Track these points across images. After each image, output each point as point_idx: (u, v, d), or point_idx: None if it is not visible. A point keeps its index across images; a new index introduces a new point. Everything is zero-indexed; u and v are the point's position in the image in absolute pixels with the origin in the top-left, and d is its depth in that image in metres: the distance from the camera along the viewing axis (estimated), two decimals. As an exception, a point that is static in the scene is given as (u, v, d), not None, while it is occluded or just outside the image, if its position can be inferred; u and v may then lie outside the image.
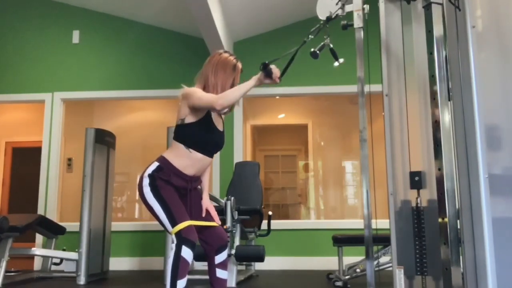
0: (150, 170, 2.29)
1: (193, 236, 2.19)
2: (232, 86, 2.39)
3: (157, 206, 2.23)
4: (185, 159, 2.30)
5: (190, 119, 2.31)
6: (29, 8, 6.06)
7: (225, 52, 2.47)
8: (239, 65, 2.45)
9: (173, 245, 2.15)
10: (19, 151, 7.81)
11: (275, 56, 2.37)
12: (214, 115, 2.38)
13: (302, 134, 7.99)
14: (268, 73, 2.29)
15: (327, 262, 5.25)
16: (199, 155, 2.32)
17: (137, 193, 2.35)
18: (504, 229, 1.99)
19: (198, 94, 2.28)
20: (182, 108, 2.32)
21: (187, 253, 2.14)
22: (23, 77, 5.92)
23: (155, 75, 5.86)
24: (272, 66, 2.30)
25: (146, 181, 2.26)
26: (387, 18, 2.54)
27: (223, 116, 2.50)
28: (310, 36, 2.50)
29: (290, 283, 4.26)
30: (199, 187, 2.49)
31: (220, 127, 2.42)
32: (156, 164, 2.31)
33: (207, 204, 2.47)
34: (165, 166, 2.29)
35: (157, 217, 2.25)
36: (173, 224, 2.19)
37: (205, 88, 2.38)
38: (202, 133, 2.32)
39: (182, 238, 2.15)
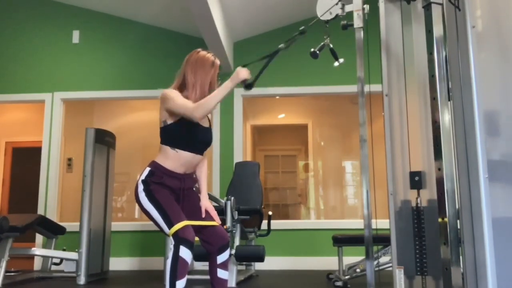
0: (143, 176, 2.32)
1: (191, 235, 2.19)
2: (211, 83, 2.41)
3: (153, 210, 2.25)
4: (174, 160, 2.32)
5: (171, 119, 2.33)
6: (29, 8, 6.06)
7: (203, 50, 2.48)
8: (217, 62, 2.47)
9: (172, 246, 2.16)
10: (19, 151, 7.80)
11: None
12: None
13: (302, 134, 7.98)
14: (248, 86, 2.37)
15: (327, 262, 5.25)
16: (187, 154, 2.33)
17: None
18: (504, 229, 1.99)
19: (177, 101, 2.28)
20: (161, 111, 2.35)
21: (185, 253, 2.14)
22: (23, 77, 5.92)
23: (155, 75, 5.86)
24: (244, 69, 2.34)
25: (140, 187, 2.29)
26: (387, 18, 2.54)
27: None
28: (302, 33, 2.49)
29: (290, 283, 4.26)
30: (195, 187, 2.49)
31: (205, 124, 2.43)
32: (148, 169, 2.33)
33: (206, 205, 2.46)
34: (156, 169, 2.32)
35: (154, 221, 2.27)
36: (170, 226, 2.20)
37: (182, 86, 2.40)
38: (185, 132, 2.32)
39: (179, 238, 2.15)
